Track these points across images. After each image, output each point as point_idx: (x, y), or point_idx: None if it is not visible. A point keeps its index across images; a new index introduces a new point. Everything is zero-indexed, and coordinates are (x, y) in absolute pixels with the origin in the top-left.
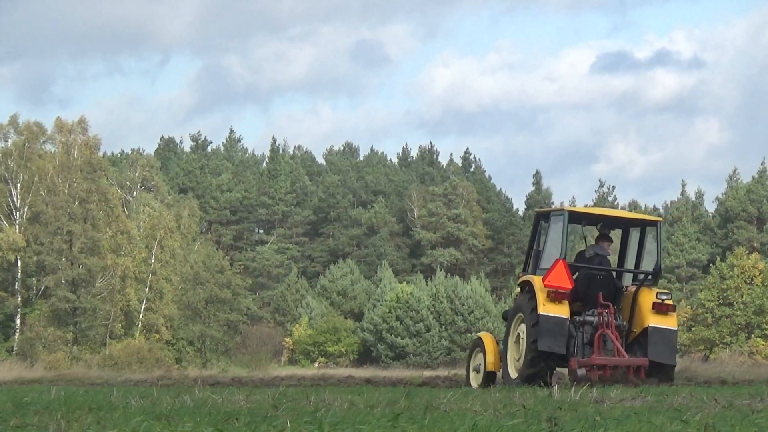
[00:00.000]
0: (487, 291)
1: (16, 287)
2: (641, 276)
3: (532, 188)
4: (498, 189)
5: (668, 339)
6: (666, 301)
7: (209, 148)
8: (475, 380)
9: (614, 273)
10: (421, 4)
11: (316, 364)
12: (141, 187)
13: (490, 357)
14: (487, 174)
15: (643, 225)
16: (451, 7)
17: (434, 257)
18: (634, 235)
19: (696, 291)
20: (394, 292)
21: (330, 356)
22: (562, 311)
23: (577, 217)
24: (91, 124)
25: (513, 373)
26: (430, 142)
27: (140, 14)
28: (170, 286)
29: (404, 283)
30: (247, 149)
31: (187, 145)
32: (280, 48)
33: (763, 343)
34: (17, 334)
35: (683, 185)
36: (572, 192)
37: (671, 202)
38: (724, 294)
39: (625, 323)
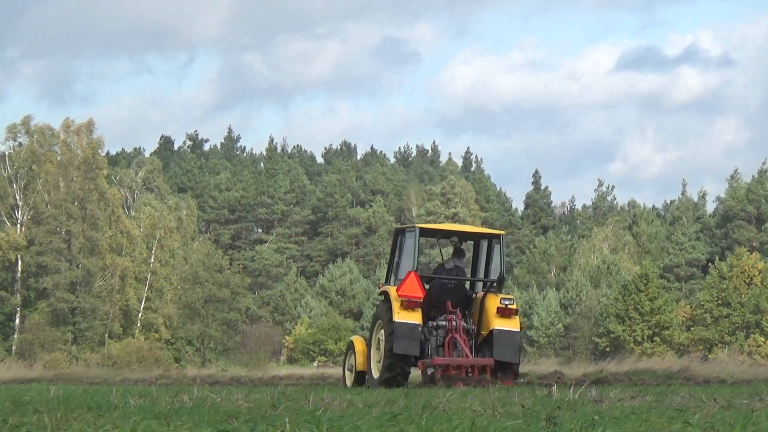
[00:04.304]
0: None
1: (16, 287)
2: (488, 283)
3: (531, 188)
4: (498, 189)
5: (512, 340)
6: (509, 306)
7: (206, 147)
8: (348, 379)
9: (465, 281)
10: (452, 3)
11: (315, 364)
12: (143, 187)
13: (360, 358)
14: (486, 173)
15: (489, 238)
16: (482, 6)
17: (432, 256)
18: (484, 247)
19: (695, 290)
20: None
21: (329, 355)
22: (414, 318)
23: (428, 233)
24: (109, 122)
25: (375, 374)
26: (434, 142)
27: (167, 13)
28: (169, 285)
29: None
30: (245, 148)
31: (186, 144)
32: (305, 46)
33: (764, 340)
34: (16, 333)
35: (683, 185)
36: (572, 191)
37: (671, 201)
38: (723, 294)
39: (473, 327)
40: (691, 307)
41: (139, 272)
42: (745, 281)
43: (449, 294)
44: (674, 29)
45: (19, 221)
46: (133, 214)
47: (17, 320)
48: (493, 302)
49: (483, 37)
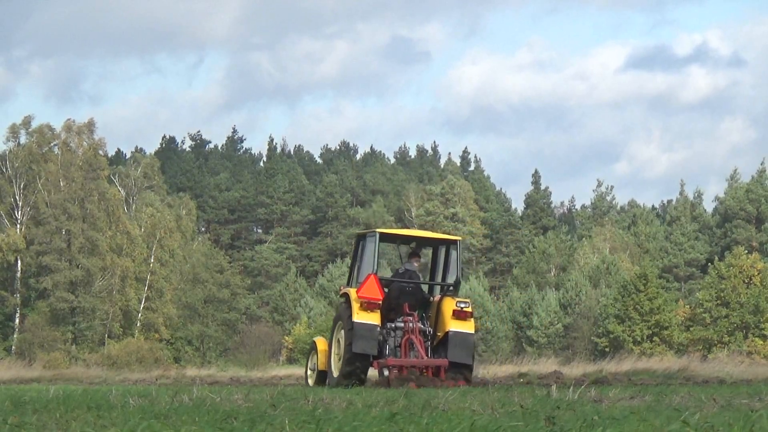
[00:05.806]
0: (485, 290)
1: (16, 287)
2: (445, 287)
3: (531, 188)
4: (498, 189)
5: (466, 341)
6: (465, 309)
7: (207, 147)
8: (311, 378)
9: (423, 285)
10: (463, 3)
11: None
12: (143, 186)
13: (322, 358)
14: (486, 173)
15: (447, 243)
16: (493, 5)
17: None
18: (441, 252)
19: (694, 290)
20: None
21: None
22: (373, 319)
23: (388, 238)
24: (117, 122)
25: (336, 373)
26: (434, 142)
27: (177, 13)
28: (169, 285)
29: None
30: (246, 148)
31: (188, 145)
32: (314, 46)
33: (761, 342)
34: (16, 333)
35: (681, 184)
36: (575, 191)
37: (668, 201)
38: (722, 294)
39: (430, 329)
40: (690, 307)
41: (139, 272)
42: (744, 281)
43: (407, 297)
44: (684, 29)
45: (19, 221)
46: (133, 210)
47: (17, 320)
48: (449, 305)
49: (492, 36)
